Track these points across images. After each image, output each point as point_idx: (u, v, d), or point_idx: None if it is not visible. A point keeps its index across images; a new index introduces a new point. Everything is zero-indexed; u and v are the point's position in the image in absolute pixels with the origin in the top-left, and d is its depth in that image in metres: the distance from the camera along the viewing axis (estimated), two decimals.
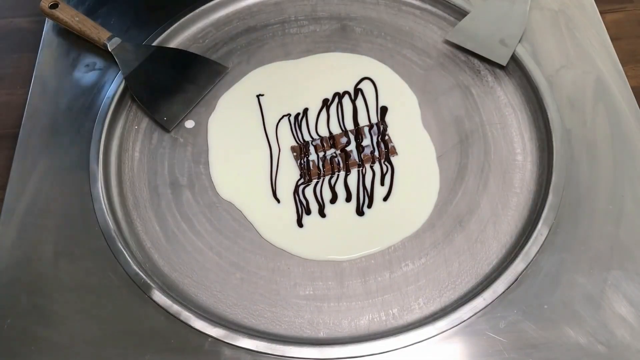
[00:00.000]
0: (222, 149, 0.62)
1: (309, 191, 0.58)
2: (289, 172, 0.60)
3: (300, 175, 0.59)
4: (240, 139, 0.62)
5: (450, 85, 0.64)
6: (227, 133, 0.63)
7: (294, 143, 0.61)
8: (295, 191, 0.58)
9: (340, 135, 0.61)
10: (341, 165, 0.59)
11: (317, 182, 0.59)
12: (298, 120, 0.63)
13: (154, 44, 0.67)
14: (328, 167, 0.59)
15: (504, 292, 0.51)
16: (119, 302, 0.52)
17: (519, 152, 0.60)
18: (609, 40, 0.65)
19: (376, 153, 0.60)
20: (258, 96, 0.65)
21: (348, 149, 0.60)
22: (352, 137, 0.61)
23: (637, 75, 0.66)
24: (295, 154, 0.60)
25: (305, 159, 0.59)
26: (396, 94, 0.64)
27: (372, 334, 0.51)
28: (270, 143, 0.62)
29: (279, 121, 0.63)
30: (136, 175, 0.60)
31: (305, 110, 0.64)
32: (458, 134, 0.61)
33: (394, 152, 0.60)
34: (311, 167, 0.59)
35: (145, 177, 0.60)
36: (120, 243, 0.54)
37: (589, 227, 0.54)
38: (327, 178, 0.59)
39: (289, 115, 0.63)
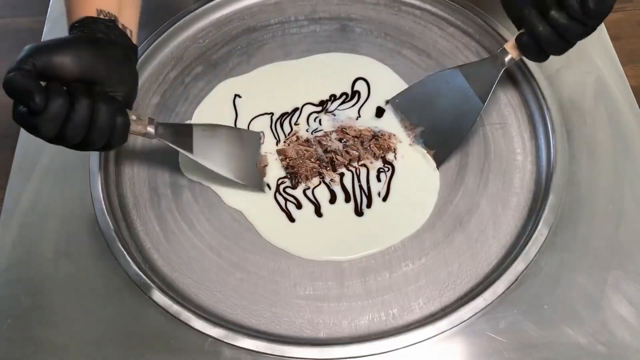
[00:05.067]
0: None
1: (301, 192, 0.58)
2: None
3: (288, 177, 0.59)
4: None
5: None
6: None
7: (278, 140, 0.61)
8: (277, 190, 0.58)
9: (326, 137, 0.60)
10: (328, 166, 0.59)
11: (309, 186, 0.58)
12: (287, 119, 0.63)
13: (154, 44, 0.67)
14: (315, 171, 0.59)
15: (504, 292, 0.51)
16: (118, 302, 0.52)
17: (519, 152, 0.60)
18: (609, 40, 0.65)
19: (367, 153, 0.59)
20: (235, 95, 0.64)
21: (334, 148, 0.60)
22: (334, 137, 0.60)
23: (637, 75, 0.66)
24: (281, 157, 0.60)
25: (290, 162, 0.59)
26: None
27: (372, 334, 0.51)
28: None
29: (259, 116, 0.63)
30: (136, 175, 0.60)
31: (301, 110, 0.63)
32: None
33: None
34: (299, 171, 0.58)
35: (145, 177, 0.60)
36: (120, 243, 0.54)
37: (589, 227, 0.54)
38: (314, 182, 0.59)
39: (272, 113, 0.63)
